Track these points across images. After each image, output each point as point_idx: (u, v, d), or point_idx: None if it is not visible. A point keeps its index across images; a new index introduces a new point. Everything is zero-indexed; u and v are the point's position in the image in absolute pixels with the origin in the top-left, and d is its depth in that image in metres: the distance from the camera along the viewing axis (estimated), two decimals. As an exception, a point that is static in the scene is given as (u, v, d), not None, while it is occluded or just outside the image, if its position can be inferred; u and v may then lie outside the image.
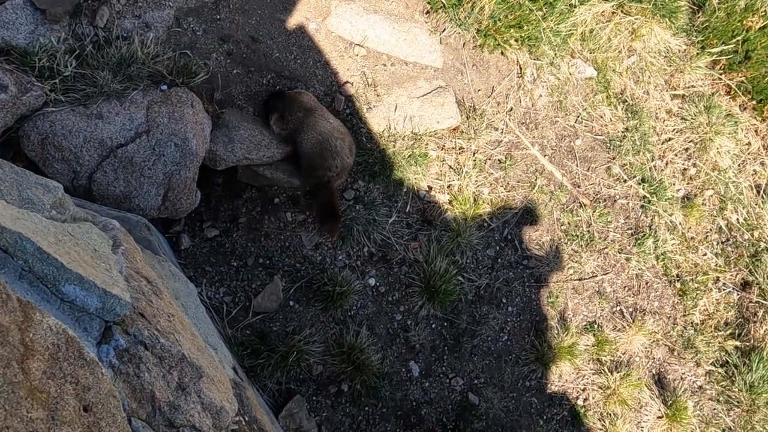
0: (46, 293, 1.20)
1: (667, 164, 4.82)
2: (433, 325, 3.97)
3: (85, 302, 1.25)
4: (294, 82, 3.95)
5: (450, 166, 4.17)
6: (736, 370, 4.37)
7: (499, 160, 4.29)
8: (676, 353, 4.39)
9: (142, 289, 1.49)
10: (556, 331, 4.14)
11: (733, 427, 4.31)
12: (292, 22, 4.00)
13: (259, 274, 3.78)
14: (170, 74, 3.58)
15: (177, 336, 1.48)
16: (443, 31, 4.20)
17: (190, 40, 3.81)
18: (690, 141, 4.91)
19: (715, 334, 4.47)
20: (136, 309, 1.40)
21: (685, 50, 5.07)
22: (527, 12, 4.18)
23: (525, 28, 4.22)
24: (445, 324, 3.99)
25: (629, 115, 4.74)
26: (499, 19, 4.17)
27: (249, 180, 3.93)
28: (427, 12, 4.22)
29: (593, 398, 4.13)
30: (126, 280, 1.42)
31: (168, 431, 1.33)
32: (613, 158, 4.61)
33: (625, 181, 4.59)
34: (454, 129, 4.18)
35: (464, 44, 4.27)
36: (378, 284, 3.92)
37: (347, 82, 4.03)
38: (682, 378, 4.36)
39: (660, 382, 4.30)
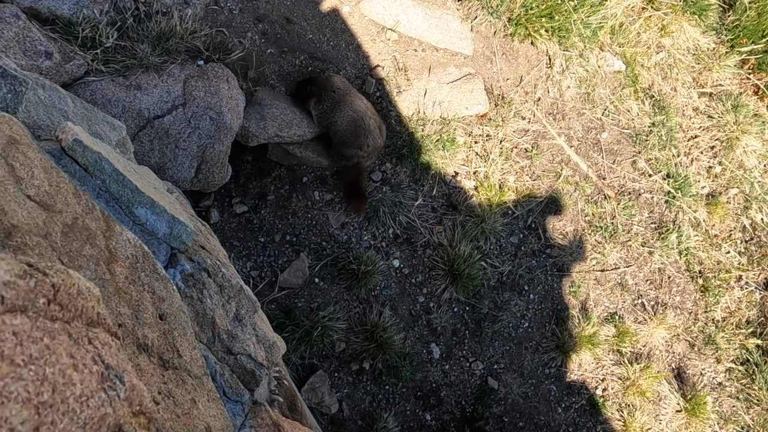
0: (120, 214, 1.24)
1: (692, 161, 4.82)
2: (455, 309, 4.00)
3: (154, 226, 1.30)
4: (326, 64, 4.00)
5: (477, 153, 4.20)
6: (756, 369, 4.36)
7: (525, 148, 4.32)
8: (696, 349, 4.38)
9: (200, 228, 1.53)
10: (577, 321, 4.15)
11: (752, 425, 4.29)
12: (326, 4, 4.06)
13: (285, 251, 3.83)
14: (207, 50, 3.65)
15: (233, 271, 1.52)
16: (475, 19, 4.24)
17: (226, 18, 3.88)
18: (716, 139, 4.91)
19: (736, 331, 4.45)
20: (197, 242, 1.44)
21: (714, 48, 5.07)
22: (559, 2, 4.21)
23: (556, 18, 4.25)
24: (467, 308, 4.02)
25: (656, 111, 4.75)
26: (531, 9, 4.20)
27: (278, 158, 3.99)
28: (460, -1, 4.26)
29: (612, 389, 4.13)
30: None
31: (226, 357, 1.38)
32: (639, 152, 4.61)
33: (650, 175, 4.60)
34: (482, 116, 4.21)
35: (495, 32, 4.31)
36: (402, 266, 3.96)
37: (378, 65, 4.07)
38: (701, 373, 4.35)
39: (679, 376, 4.29)
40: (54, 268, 0.56)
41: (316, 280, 3.81)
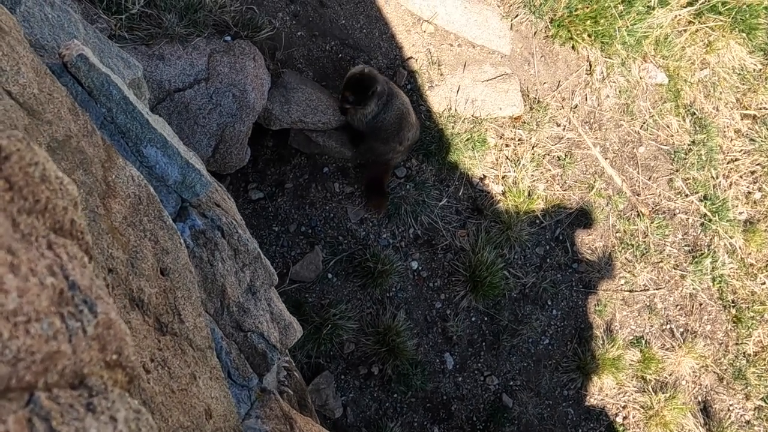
0: (126, 151, 1.06)
1: (731, 185, 4.58)
2: (473, 318, 3.77)
3: (164, 171, 1.11)
4: (357, 52, 3.83)
5: (507, 157, 3.99)
6: (788, 409, 4.08)
7: (558, 156, 4.11)
8: (725, 382, 4.11)
9: (215, 187, 1.35)
10: (601, 342, 3.91)
11: (779, 469, 4.01)
12: (363, -10, 3.89)
13: (299, 242, 3.64)
14: (235, 26, 3.50)
15: (252, 238, 1.34)
16: (515, 17, 4.06)
17: (258, -5, 3.72)
18: (757, 164, 4.67)
19: (769, 368, 4.18)
20: (212, 199, 1.25)
21: (760, 70, 4.84)
22: (605, 6, 4.02)
23: (601, 23, 4.05)
24: (486, 319, 3.80)
25: (696, 129, 4.52)
26: (575, 10, 4.01)
27: (300, 146, 3.81)
28: (501, -4, 4.08)
29: (633, 417, 3.88)
30: (200, 176, 1.29)
31: (235, 333, 1.18)
32: (677, 171, 4.38)
33: (686, 195, 4.36)
34: (515, 118, 4.01)
35: (535, 33, 4.12)
36: (420, 268, 3.75)
37: (411, 57, 3.90)
38: (729, 409, 4.08)
39: (706, 410, 4.03)
40: (7, 131, 0.37)
41: (330, 275, 3.61)
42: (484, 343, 3.77)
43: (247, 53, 3.43)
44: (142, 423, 0.41)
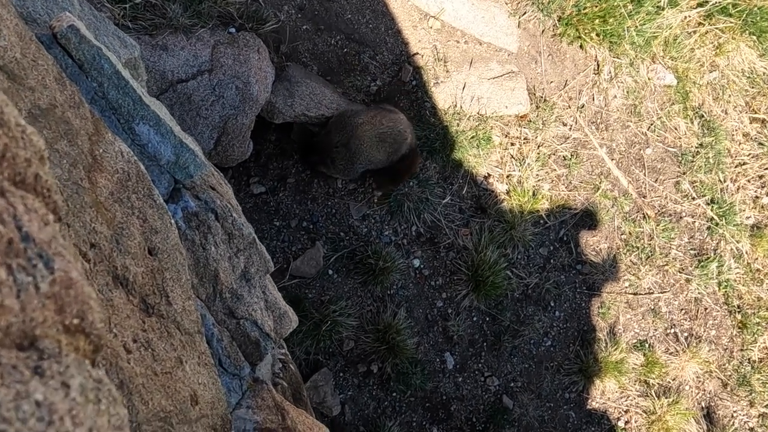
0: (117, 128, 1.02)
1: (738, 189, 4.52)
2: (475, 318, 3.73)
3: (157, 149, 1.07)
4: (362, 47, 3.79)
5: (512, 156, 3.95)
6: (793, 417, 4.02)
7: (563, 156, 4.06)
8: (729, 389, 4.05)
9: (212, 171, 1.31)
10: (604, 345, 3.85)
11: (783, 478, 3.95)
12: (369, -15, 3.86)
13: (300, 238, 3.60)
14: (240, 17, 3.47)
15: (248, 223, 1.29)
16: (523, 15, 4.01)
17: (264, -12, 3.69)
18: (765, 168, 4.61)
19: (774, 374, 4.12)
20: (206, 182, 1.21)
21: (770, 73, 4.78)
22: (614, 5, 3.97)
23: (609, 22, 4.01)
24: (487, 319, 3.75)
25: (704, 132, 4.47)
26: (584, 9, 3.96)
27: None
28: (509, -7, 4.04)
29: (635, 421, 3.82)
30: (195, 159, 1.25)
31: (227, 320, 1.14)
32: (684, 173, 4.33)
33: (693, 198, 4.31)
34: (521, 117, 3.97)
35: (543, 31, 4.07)
36: (422, 266, 3.70)
37: (417, 53, 3.86)
38: (732, 416, 4.02)
39: (709, 416, 3.97)
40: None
41: (330, 271, 3.57)
42: (485, 344, 3.72)
43: (252, 45, 3.39)
44: (103, 393, 0.37)
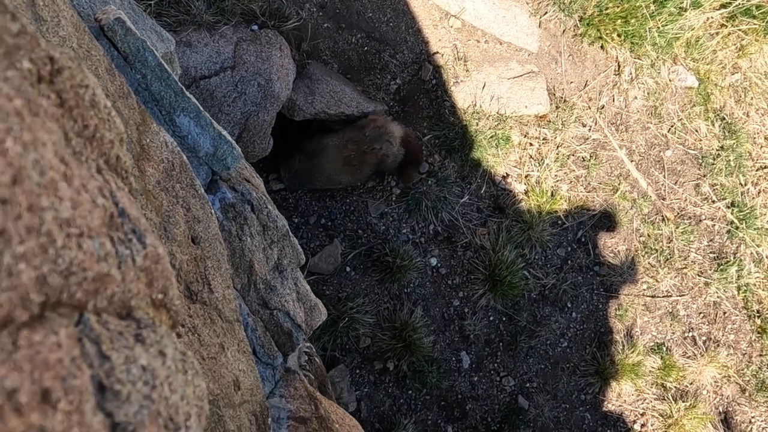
0: (159, 119, 1.04)
1: (759, 192, 4.47)
2: (491, 318, 3.73)
3: (196, 141, 1.09)
4: (383, 45, 3.81)
5: (531, 156, 3.94)
6: (812, 424, 3.97)
7: (583, 157, 4.04)
8: (747, 394, 4.01)
9: (245, 164, 1.33)
10: (621, 347, 3.83)
11: (801, 485, 3.90)
12: (391, -16, 3.87)
13: (319, 235, 3.62)
14: (262, 15, 3.49)
15: (281, 215, 1.31)
16: (544, 15, 4.00)
17: (286, -14, 3.72)
18: (787, 172, 4.55)
19: (793, 381, 4.08)
20: (242, 174, 1.23)
21: (794, 76, 4.72)
22: (636, 6, 3.95)
23: (631, 22, 3.98)
24: (504, 319, 3.75)
25: (726, 134, 4.43)
26: (606, 9, 3.94)
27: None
28: (530, -7, 4.03)
29: (652, 425, 3.80)
30: (227, 153, 1.28)
31: (261, 311, 1.16)
32: (704, 176, 4.29)
33: (713, 201, 4.27)
34: (541, 117, 3.96)
35: (564, 31, 4.06)
36: (439, 265, 3.71)
37: (437, 52, 3.86)
38: (750, 422, 3.98)
39: (726, 421, 3.93)
40: (60, 49, 0.35)
41: (348, 268, 3.59)
42: (501, 343, 3.72)
43: (274, 43, 3.42)
44: (188, 365, 0.39)
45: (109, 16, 0.97)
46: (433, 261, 3.71)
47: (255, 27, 3.49)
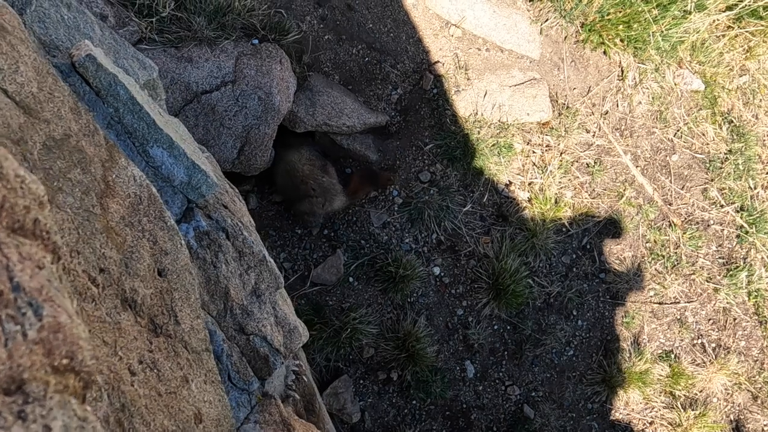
0: (132, 151, 1.07)
1: (770, 196, 4.40)
2: (495, 327, 3.71)
3: (170, 171, 1.11)
4: (384, 56, 3.82)
5: (534, 163, 3.92)
6: (827, 432, 3.89)
7: (587, 163, 4.01)
8: (759, 401, 3.95)
9: (226, 188, 1.34)
10: (628, 355, 3.79)
11: (817, 495, 3.83)
12: (391, -6, 3.88)
13: (322, 245, 3.64)
14: (263, 29, 3.53)
15: (259, 239, 1.33)
16: (545, 21, 3.99)
17: (287, 0, 3.75)
18: (799, 174, 4.48)
19: (807, 387, 4.00)
20: (220, 200, 1.25)
21: (804, 76, 4.65)
22: (638, 11, 3.92)
23: (634, 27, 3.95)
24: (508, 327, 3.73)
25: (734, 137, 4.37)
26: (607, 15, 3.92)
27: (324, 148, 3.82)
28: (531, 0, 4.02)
29: (661, 434, 3.75)
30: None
31: (237, 336, 1.17)
32: (712, 180, 4.24)
33: (722, 206, 4.21)
34: (543, 124, 3.94)
35: (566, 38, 4.04)
36: (443, 274, 3.71)
37: (438, 61, 3.87)
38: (763, 429, 3.91)
39: (738, 429, 3.87)
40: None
41: (351, 279, 3.60)
42: (506, 352, 3.70)
43: (274, 56, 3.45)
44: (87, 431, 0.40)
45: (81, 52, 1.00)
46: (437, 270, 3.71)
47: (256, 41, 3.53)
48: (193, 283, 0.97)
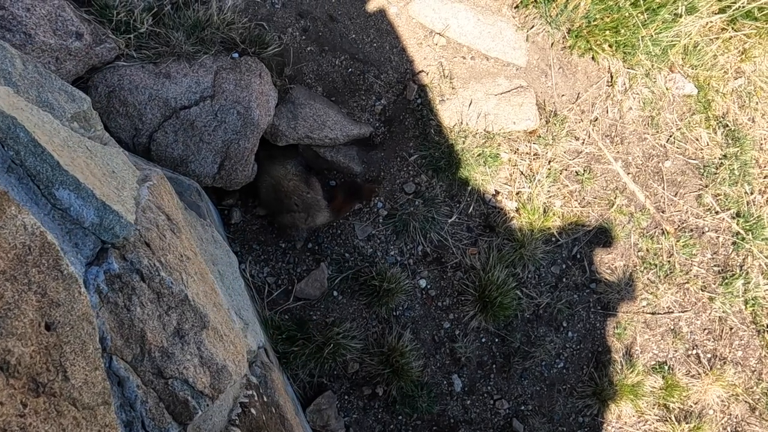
0: (36, 194, 1.03)
1: (767, 201, 4.30)
2: (483, 339, 3.65)
3: (79, 213, 1.08)
4: (367, 66, 3.78)
5: (521, 172, 3.86)
6: (828, 444, 3.79)
7: (576, 171, 3.95)
8: (757, 413, 3.85)
9: (157, 222, 1.31)
10: (620, 367, 3.72)
11: None
12: (373, 4, 3.85)
13: (306, 259, 3.61)
14: (243, 43, 3.50)
15: (185, 278, 1.29)
16: (531, 28, 3.93)
17: (267, 12, 3.73)
18: (797, 178, 4.37)
19: (807, 398, 3.89)
20: (143, 237, 1.22)
21: (801, 78, 4.54)
22: (626, 16, 3.84)
23: (622, 32, 3.88)
24: (496, 340, 3.67)
25: (729, 142, 4.27)
26: (594, 20, 3.85)
27: (308, 161, 3.78)
28: (516, 6, 3.96)
29: (654, 448, 3.67)
30: (142, 211, 1.24)
31: (155, 380, 1.14)
32: (706, 186, 4.15)
33: (717, 212, 4.12)
34: (530, 132, 3.88)
35: (552, 44, 3.98)
36: (429, 287, 3.66)
37: (422, 71, 3.82)
38: (761, 442, 3.82)
39: (735, 442, 3.78)
40: None
41: (335, 293, 3.57)
42: (494, 366, 3.64)
43: (253, 70, 3.42)
44: None
45: (-25, 97, 0.97)
46: (423, 283, 3.66)
47: (236, 55, 3.50)
48: (92, 334, 0.94)
